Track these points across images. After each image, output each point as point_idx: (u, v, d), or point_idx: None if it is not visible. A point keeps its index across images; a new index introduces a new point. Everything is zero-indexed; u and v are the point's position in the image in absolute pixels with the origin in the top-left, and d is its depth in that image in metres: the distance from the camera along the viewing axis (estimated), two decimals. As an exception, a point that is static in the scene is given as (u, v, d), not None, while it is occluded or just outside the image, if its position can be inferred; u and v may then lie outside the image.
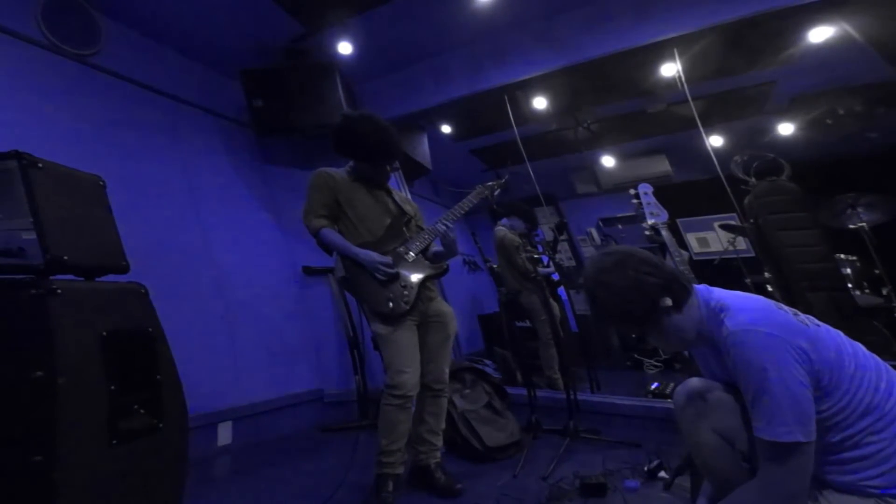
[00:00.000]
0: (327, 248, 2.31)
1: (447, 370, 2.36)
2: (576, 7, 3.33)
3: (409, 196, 3.25)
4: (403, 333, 2.21)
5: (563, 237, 5.91)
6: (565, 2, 3.31)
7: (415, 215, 2.48)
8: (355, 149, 2.35)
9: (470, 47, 3.74)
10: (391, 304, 2.16)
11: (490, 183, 2.50)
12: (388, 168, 2.42)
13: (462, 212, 2.36)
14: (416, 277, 2.24)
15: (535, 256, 3.66)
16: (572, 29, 3.37)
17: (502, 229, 4.21)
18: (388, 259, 2.20)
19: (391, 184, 2.54)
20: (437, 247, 2.38)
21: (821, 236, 3.05)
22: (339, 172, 2.39)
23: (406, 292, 2.20)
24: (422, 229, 2.39)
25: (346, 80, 3.86)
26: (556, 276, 4.53)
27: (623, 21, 3.19)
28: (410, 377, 2.16)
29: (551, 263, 4.22)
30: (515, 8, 3.33)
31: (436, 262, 2.34)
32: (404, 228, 2.34)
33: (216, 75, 3.89)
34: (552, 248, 3.32)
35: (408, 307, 2.18)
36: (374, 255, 2.19)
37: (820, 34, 3.36)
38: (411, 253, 2.27)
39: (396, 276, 2.20)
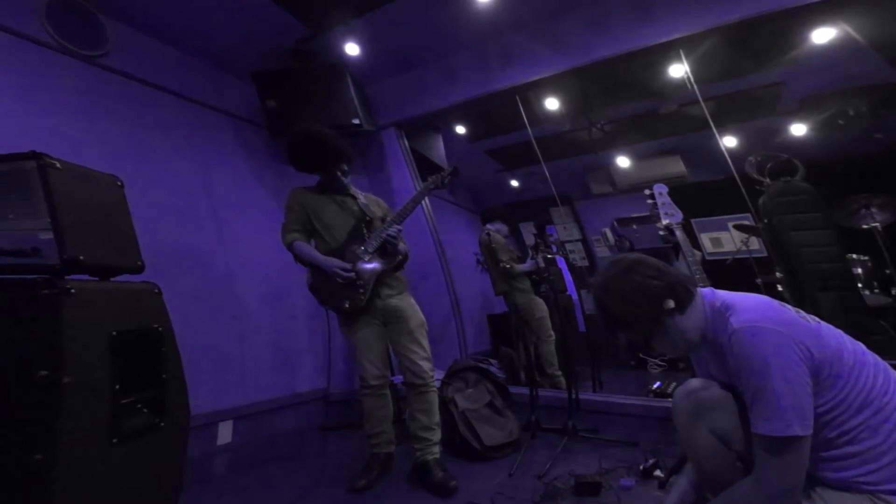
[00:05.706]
0: (299, 259, 2.47)
1: (424, 364, 2.42)
2: (577, 8, 3.31)
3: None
4: (362, 331, 2.40)
5: (567, 243, 5.87)
6: (566, 3, 3.29)
7: (384, 215, 2.59)
8: (301, 163, 2.52)
9: (477, 48, 3.73)
10: (348, 303, 2.35)
11: (437, 175, 2.57)
12: (339, 173, 2.53)
13: (410, 211, 2.46)
14: (370, 274, 2.38)
15: (549, 256, 3.69)
16: (575, 30, 3.35)
17: (489, 232, 4.31)
18: (346, 264, 2.36)
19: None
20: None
21: (834, 236, 3.03)
22: (310, 188, 2.58)
23: (362, 290, 2.35)
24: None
25: (356, 80, 3.89)
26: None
27: (625, 22, 3.17)
28: (371, 369, 2.41)
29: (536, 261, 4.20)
30: (517, 9, 3.31)
31: (387, 258, 2.45)
32: (364, 230, 2.46)
33: (229, 76, 3.89)
34: (535, 249, 3.40)
35: (363, 303, 2.34)
36: (334, 261, 2.36)
37: (823, 35, 3.33)
38: (368, 253, 2.39)
39: (355, 278, 2.35)
